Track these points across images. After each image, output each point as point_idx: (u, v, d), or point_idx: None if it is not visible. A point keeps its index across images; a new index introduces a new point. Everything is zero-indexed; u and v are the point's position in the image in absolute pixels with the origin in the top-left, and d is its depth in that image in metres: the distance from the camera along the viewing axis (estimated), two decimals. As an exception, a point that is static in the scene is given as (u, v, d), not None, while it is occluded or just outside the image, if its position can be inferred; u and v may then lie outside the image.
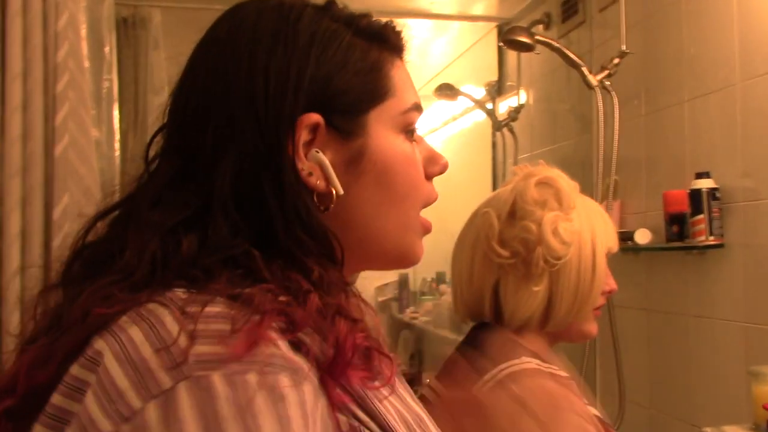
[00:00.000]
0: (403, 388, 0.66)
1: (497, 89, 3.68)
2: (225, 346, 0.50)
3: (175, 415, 0.47)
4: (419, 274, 4.71)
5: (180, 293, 0.55)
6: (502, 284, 1.16)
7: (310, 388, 0.51)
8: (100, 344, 0.52)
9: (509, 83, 3.60)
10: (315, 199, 0.63)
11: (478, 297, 1.19)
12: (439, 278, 4.31)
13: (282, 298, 0.55)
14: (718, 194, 2.10)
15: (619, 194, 2.62)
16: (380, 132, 0.67)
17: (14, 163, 1.64)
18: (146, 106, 2.94)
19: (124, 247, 0.59)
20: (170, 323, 0.51)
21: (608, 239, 1.19)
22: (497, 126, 3.53)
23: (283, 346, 0.52)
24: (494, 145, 3.68)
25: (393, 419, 0.58)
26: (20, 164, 1.65)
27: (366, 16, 0.69)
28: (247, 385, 0.48)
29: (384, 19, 0.71)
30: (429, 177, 0.73)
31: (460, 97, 3.67)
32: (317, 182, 0.63)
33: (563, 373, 1.12)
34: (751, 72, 2.02)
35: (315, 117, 0.63)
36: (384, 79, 0.68)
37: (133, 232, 0.59)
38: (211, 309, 0.52)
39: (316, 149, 0.63)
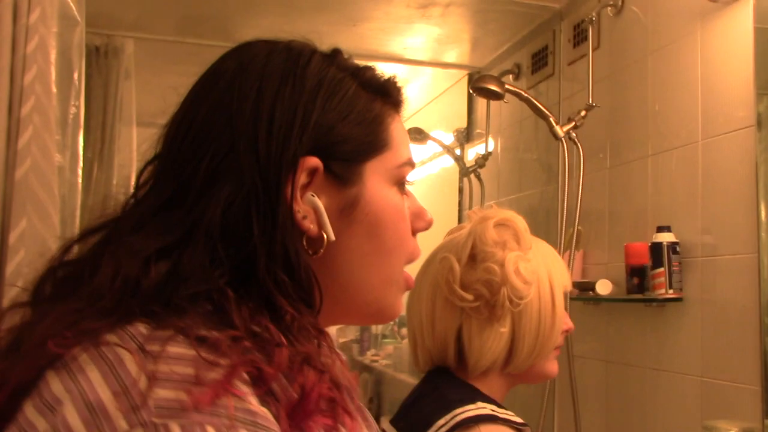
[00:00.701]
0: None
1: (466, 136, 3.73)
2: (187, 394, 0.48)
3: None
4: (381, 317, 4.67)
5: (142, 328, 0.53)
6: (465, 329, 1.15)
7: None
8: (57, 388, 0.51)
9: (478, 131, 3.64)
10: (304, 242, 0.63)
11: (442, 344, 1.18)
12: (401, 322, 4.28)
13: (249, 347, 0.54)
14: (678, 248, 2.13)
15: (581, 244, 2.64)
16: (375, 183, 0.67)
17: (-28, 185, 1.61)
18: (113, 135, 2.92)
19: (97, 269, 0.57)
20: (129, 363, 0.50)
21: (563, 278, 1.20)
22: (465, 172, 3.56)
23: (248, 397, 0.51)
24: (461, 190, 3.70)
25: None
26: (-21, 186, 1.61)
27: (370, 68, 0.71)
28: None
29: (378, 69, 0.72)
30: (414, 232, 0.74)
31: (429, 142, 3.70)
32: (310, 226, 0.63)
33: (518, 420, 1.12)
34: (712, 130, 2.07)
35: (315, 161, 0.63)
36: (384, 132, 0.69)
37: (108, 255, 0.58)
38: (173, 349, 0.51)
39: (312, 193, 0.63)
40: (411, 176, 0.73)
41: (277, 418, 0.52)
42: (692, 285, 2.12)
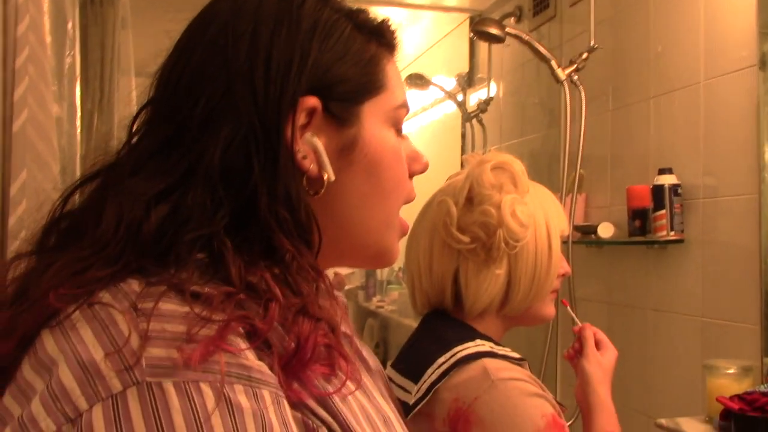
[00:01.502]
0: (375, 386, 0.66)
1: (468, 81, 3.69)
2: (179, 351, 0.48)
3: (125, 420, 0.46)
4: (386, 264, 4.70)
5: (135, 285, 0.53)
6: (462, 271, 1.16)
7: (268, 393, 0.50)
8: (51, 347, 0.51)
9: (480, 75, 3.61)
10: (304, 182, 0.63)
11: (439, 286, 1.19)
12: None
13: (243, 300, 0.54)
14: (680, 190, 2.12)
15: (584, 188, 2.64)
16: (373, 124, 0.67)
17: (-29, 137, 1.60)
18: (112, 86, 2.89)
19: (100, 216, 0.57)
20: (121, 322, 0.50)
21: (560, 222, 1.21)
22: (467, 117, 3.54)
23: (243, 352, 0.51)
24: (463, 136, 3.68)
25: (354, 417, 0.57)
26: (-23, 139, 1.61)
27: (364, 11, 0.70)
28: (201, 395, 0.47)
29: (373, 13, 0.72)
30: (411, 175, 0.74)
31: (431, 87, 3.67)
32: (310, 166, 0.63)
33: (516, 355, 1.13)
34: (714, 71, 2.05)
35: (314, 101, 0.63)
36: (380, 73, 0.69)
37: (111, 201, 0.58)
38: (165, 306, 0.51)
39: (311, 133, 0.63)
40: (413, 122, 0.73)
41: (273, 369, 0.52)
42: (694, 226, 2.12)
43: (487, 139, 3.39)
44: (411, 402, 1.09)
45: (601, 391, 1.22)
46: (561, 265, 1.21)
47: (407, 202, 0.74)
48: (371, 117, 0.67)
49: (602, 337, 1.32)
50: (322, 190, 0.64)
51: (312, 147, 0.63)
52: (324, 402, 0.56)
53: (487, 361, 1.08)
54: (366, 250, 0.71)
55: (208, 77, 0.62)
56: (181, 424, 0.46)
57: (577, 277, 2.53)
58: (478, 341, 1.12)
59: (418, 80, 3.50)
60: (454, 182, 1.21)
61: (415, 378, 1.12)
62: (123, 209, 0.57)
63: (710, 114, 2.07)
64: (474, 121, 3.44)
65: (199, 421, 0.46)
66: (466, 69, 3.71)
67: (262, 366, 0.51)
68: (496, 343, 1.15)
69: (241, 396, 0.48)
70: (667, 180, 2.14)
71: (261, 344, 0.52)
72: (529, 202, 1.17)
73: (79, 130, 1.89)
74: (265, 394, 0.50)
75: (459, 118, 3.70)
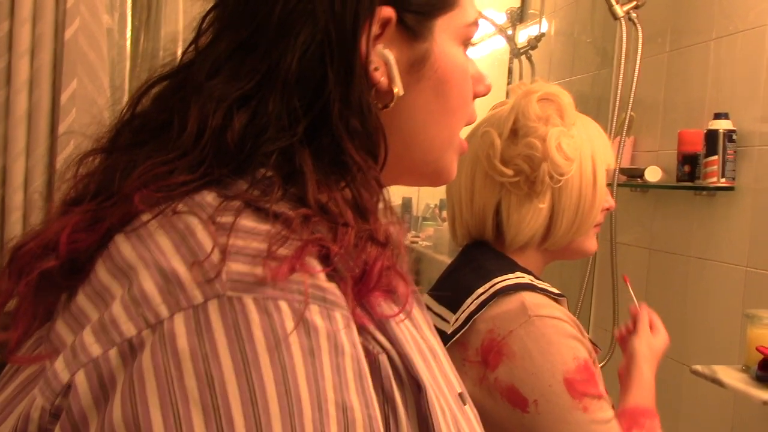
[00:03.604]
0: (423, 318, 0.66)
1: (519, 16, 3.60)
2: (261, 268, 0.48)
3: (207, 330, 0.46)
4: (423, 200, 4.70)
5: (209, 197, 0.53)
6: (504, 204, 1.15)
7: (340, 316, 0.50)
8: (129, 253, 0.51)
9: (531, 11, 3.52)
10: (374, 95, 0.62)
11: (480, 218, 1.18)
12: (443, 205, 4.30)
13: (318, 223, 0.53)
14: (734, 136, 2.07)
15: (633, 131, 2.58)
16: (445, 40, 0.66)
17: (23, 43, 1.60)
18: (159, 3, 2.87)
19: (183, 119, 0.57)
20: (201, 234, 0.50)
21: (607, 156, 1.18)
22: (516, 53, 3.46)
23: (318, 274, 0.51)
24: (510, 72, 3.61)
25: (408, 344, 0.57)
26: (29, 45, 1.61)
27: None
28: (280, 313, 0.47)
29: None
30: (475, 96, 0.73)
31: (480, 21, 3.59)
32: (381, 78, 0.62)
33: (555, 290, 1.12)
34: (783, 12, 1.97)
35: (389, 11, 0.61)
36: None
37: (193, 104, 0.57)
38: (244, 222, 0.51)
39: (383, 45, 0.62)
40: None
41: (343, 293, 0.52)
42: (746, 174, 2.07)
43: (536, 77, 3.32)
44: (449, 331, 1.09)
45: (645, 368, 1.21)
46: (605, 199, 1.19)
47: (469, 123, 0.73)
48: (443, 33, 0.66)
49: (657, 320, 1.31)
50: (392, 104, 0.63)
51: (384, 59, 0.62)
52: (383, 327, 0.56)
53: (526, 295, 1.07)
54: (426, 167, 0.70)
55: None
56: (260, 339, 0.46)
57: (620, 222, 2.50)
58: (518, 273, 1.11)
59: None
60: (499, 113, 1.18)
61: (454, 307, 1.11)
62: (206, 113, 0.56)
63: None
64: (523, 57, 3.37)
65: (278, 337, 0.46)
66: (518, 3, 3.62)
67: (335, 288, 0.51)
68: (536, 277, 1.14)
69: (316, 316, 0.49)
70: (722, 125, 2.08)
71: (332, 269, 0.52)
72: (576, 135, 1.14)
73: (129, 42, 1.88)
74: (338, 316, 0.50)
75: (507, 53, 3.63)
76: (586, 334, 1.10)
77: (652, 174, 2.35)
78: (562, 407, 1.01)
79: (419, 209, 4.70)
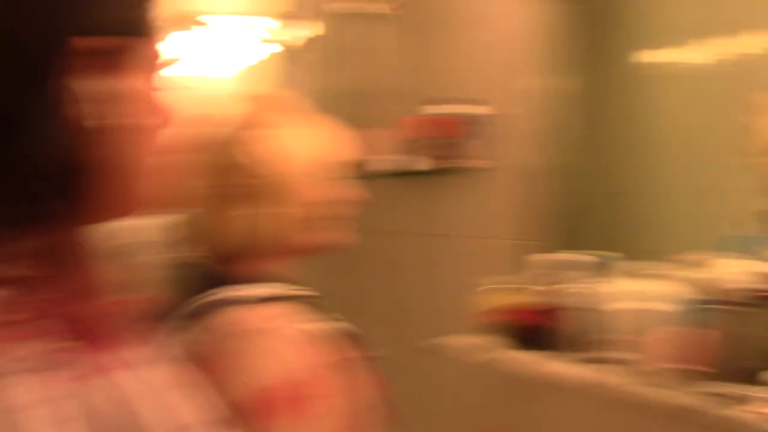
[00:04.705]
0: (159, 355, 0.66)
1: (287, 19, 3.63)
2: None
3: None
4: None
5: None
6: (210, 213, 1.14)
7: (31, 380, 0.49)
8: None
9: (299, 13, 3.56)
10: (68, 131, 0.59)
11: (194, 231, 1.17)
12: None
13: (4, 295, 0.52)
14: (484, 120, 2.23)
15: (390, 122, 2.70)
16: (134, 70, 0.65)
17: None
18: None
19: None
20: None
21: (323, 151, 1.19)
22: (288, 56, 3.49)
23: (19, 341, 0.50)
24: (286, 75, 3.64)
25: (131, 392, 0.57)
26: None
27: None
28: None
29: None
30: (158, 126, 0.71)
31: (254, 26, 3.58)
32: (74, 110, 0.59)
33: (279, 292, 1.12)
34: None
35: (82, 42, 0.60)
36: (142, 18, 0.67)
37: None
38: None
39: (77, 75, 0.60)
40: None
41: (50, 353, 0.51)
42: (496, 153, 2.24)
43: (308, 79, 3.37)
44: None
45: None
46: (329, 193, 1.19)
47: (160, 153, 0.71)
48: (134, 63, 0.65)
49: None
50: (88, 138, 0.61)
51: (79, 91, 0.60)
52: (92, 377, 0.55)
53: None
54: (124, 199, 0.68)
55: None
56: None
57: (394, 210, 2.60)
58: (231, 287, 1.11)
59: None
60: (211, 126, 1.18)
61: None
62: None
63: (508, 41, 2.17)
64: (295, 59, 3.41)
65: None
66: (288, 7, 3.65)
67: (49, 350, 0.51)
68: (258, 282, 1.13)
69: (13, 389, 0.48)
70: (477, 110, 2.24)
71: (21, 331, 0.51)
72: (284, 135, 1.15)
73: None
74: (30, 380, 0.49)
75: (278, 58, 3.65)
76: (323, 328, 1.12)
77: (416, 162, 2.47)
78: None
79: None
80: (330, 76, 3.32)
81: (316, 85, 3.40)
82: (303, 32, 3.46)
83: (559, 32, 2.04)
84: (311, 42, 3.34)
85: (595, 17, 2.09)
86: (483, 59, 2.31)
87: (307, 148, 1.17)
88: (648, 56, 2.04)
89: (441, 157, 2.32)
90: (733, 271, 1.35)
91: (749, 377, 1.29)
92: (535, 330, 1.71)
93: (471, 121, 2.22)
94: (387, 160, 2.47)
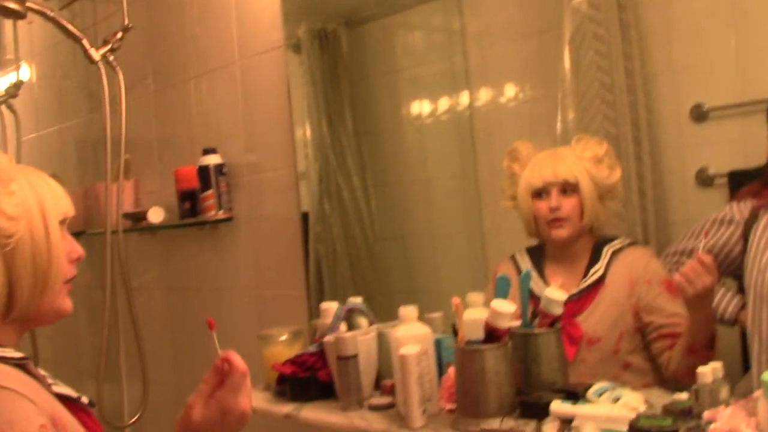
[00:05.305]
0: None
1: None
2: None
3: None
4: None
5: None
6: None
7: None
8: None
9: (8, 56, 3.26)
10: None
11: None
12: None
13: None
14: (224, 169, 2.17)
15: (131, 173, 2.56)
16: None
17: None
18: None
19: None
20: None
21: (59, 205, 1.12)
22: (-5, 104, 3.16)
23: None
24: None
25: None
26: None
27: None
28: None
29: None
30: None
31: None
32: None
33: (17, 354, 1.02)
34: (248, 51, 2.13)
35: None
36: None
37: None
38: None
39: None
40: None
41: None
42: (241, 204, 2.19)
43: (21, 127, 3.08)
44: None
45: None
46: (72, 249, 1.12)
47: None
48: None
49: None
50: None
51: None
52: None
53: None
54: None
55: None
56: None
57: (133, 266, 2.44)
58: None
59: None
60: None
61: None
62: None
63: (248, 93, 2.15)
64: (3, 107, 3.10)
65: None
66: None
67: None
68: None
69: None
70: (212, 160, 2.17)
71: None
72: (18, 190, 1.06)
73: None
74: None
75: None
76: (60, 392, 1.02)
77: (155, 215, 2.35)
78: None
79: None
80: (45, 124, 3.07)
81: (29, 134, 3.12)
82: (10, 77, 3.16)
83: (309, 84, 2.07)
84: (19, 87, 3.05)
85: (343, 69, 2.14)
86: (226, 109, 2.26)
87: (54, 201, 1.07)
88: (405, 107, 2.11)
89: (184, 209, 2.22)
90: (483, 312, 1.41)
91: (497, 412, 1.35)
92: (311, 381, 1.68)
93: (213, 171, 2.14)
94: (124, 213, 2.31)
